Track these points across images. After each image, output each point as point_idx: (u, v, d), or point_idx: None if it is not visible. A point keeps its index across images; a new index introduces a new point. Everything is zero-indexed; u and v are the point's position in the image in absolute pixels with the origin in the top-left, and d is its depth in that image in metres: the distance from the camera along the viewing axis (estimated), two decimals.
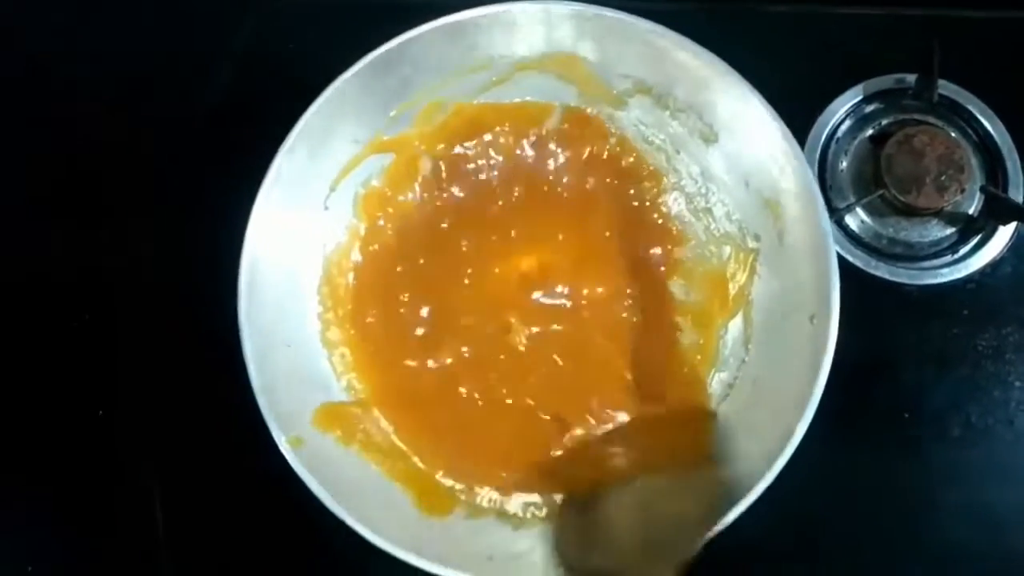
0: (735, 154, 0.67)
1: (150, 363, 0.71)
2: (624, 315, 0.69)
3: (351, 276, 0.69)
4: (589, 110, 0.71)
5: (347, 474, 0.62)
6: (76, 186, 0.76)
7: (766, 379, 0.65)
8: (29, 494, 0.71)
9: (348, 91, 0.65)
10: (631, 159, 0.71)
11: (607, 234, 0.70)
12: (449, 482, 0.66)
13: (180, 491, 0.70)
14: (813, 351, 0.60)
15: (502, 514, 0.65)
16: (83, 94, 0.78)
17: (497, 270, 0.69)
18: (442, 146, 0.71)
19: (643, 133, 0.71)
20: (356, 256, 0.70)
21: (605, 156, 0.71)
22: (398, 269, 0.70)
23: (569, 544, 0.61)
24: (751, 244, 0.68)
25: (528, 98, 0.71)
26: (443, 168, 0.71)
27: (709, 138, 0.68)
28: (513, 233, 0.70)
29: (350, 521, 0.58)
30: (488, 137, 0.71)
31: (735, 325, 0.68)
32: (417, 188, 0.71)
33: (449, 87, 0.69)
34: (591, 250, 0.70)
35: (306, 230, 0.67)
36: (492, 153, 0.71)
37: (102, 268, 0.74)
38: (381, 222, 0.70)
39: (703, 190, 0.70)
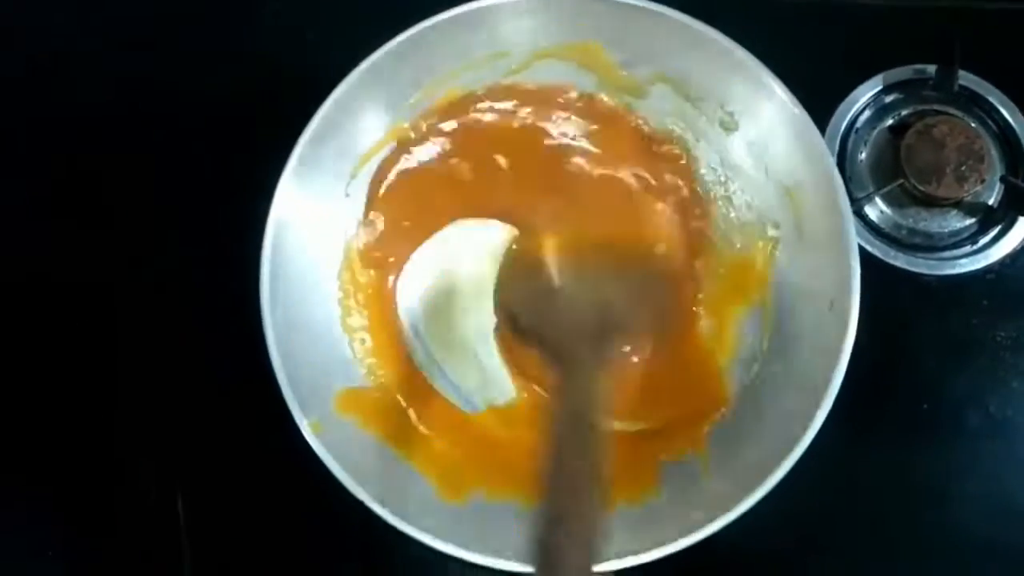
0: (755, 142, 0.67)
1: (175, 350, 0.72)
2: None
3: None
4: (607, 98, 0.71)
5: (368, 458, 0.63)
6: (93, 180, 0.77)
7: (785, 367, 0.65)
8: (49, 483, 0.71)
9: (368, 79, 0.65)
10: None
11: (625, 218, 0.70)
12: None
13: (202, 475, 0.70)
14: (833, 338, 0.60)
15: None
16: (94, 91, 0.79)
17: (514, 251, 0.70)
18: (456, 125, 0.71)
19: (663, 121, 0.71)
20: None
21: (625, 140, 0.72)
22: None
23: (515, 291, 0.63)
24: (771, 232, 0.68)
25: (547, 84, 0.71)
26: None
27: (729, 126, 0.68)
28: (529, 214, 0.70)
29: (371, 504, 0.58)
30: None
31: (754, 313, 0.68)
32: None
33: (468, 75, 0.69)
34: (607, 234, 0.70)
35: (327, 217, 0.68)
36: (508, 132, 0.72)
37: (124, 259, 0.75)
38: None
39: (723, 178, 0.70)
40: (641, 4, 0.65)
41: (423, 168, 0.70)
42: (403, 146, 0.70)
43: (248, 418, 0.68)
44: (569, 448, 0.51)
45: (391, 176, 0.70)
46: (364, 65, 0.64)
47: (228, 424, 0.70)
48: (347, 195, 0.69)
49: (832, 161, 0.62)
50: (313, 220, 0.66)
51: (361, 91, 0.65)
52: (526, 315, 0.61)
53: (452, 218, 0.70)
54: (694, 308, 0.69)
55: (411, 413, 0.67)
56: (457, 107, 0.70)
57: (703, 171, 0.71)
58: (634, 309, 0.61)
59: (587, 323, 0.58)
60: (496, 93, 0.70)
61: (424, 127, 0.70)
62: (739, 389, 0.67)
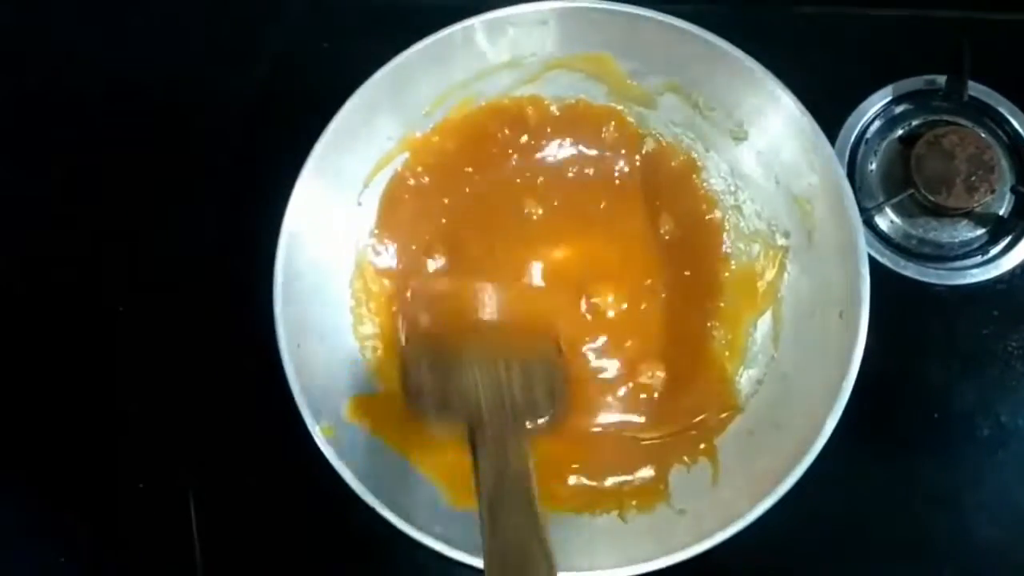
0: (765, 151, 0.68)
1: (186, 355, 0.72)
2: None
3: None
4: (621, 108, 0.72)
5: (379, 464, 0.63)
6: (108, 180, 0.77)
7: (795, 376, 0.65)
8: (60, 484, 0.71)
9: (382, 89, 0.65)
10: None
11: (637, 228, 0.71)
12: None
13: (214, 480, 0.70)
14: (843, 348, 0.60)
15: None
16: (114, 93, 0.79)
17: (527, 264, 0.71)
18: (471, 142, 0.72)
19: (673, 131, 0.72)
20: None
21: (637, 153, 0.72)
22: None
23: (419, 367, 0.64)
24: (781, 241, 0.68)
25: (557, 95, 0.72)
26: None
27: (739, 136, 0.68)
28: (543, 226, 0.71)
29: (381, 509, 0.58)
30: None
31: (764, 322, 0.68)
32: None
33: (480, 85, 0.69)
34: (621, 244, 0.71)
35: (340, 225, 0.68)
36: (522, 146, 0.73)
37: (137, 261, 0.75)
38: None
39: (732, 188, 0.70)
40: (651, 15, 0.65)
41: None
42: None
43: (260, 423, 0.69)
44: (504, 510, 0.54)
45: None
46: (378, 75, 0.65)
47: (240, 429, 0.70)
48: (359, 204, 0.69)
49: (842, 170, 0.63)
50: (326, 228, 0.66)
51: (375, 101, 0.66)
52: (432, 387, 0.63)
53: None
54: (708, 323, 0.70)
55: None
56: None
57: (713, 180, 0.71)
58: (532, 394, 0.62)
59: (500, 404, 0.60)
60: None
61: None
62: (750, 397, 0.67)
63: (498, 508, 0.53)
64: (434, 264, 0.71)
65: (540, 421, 0.61)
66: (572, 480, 0.67)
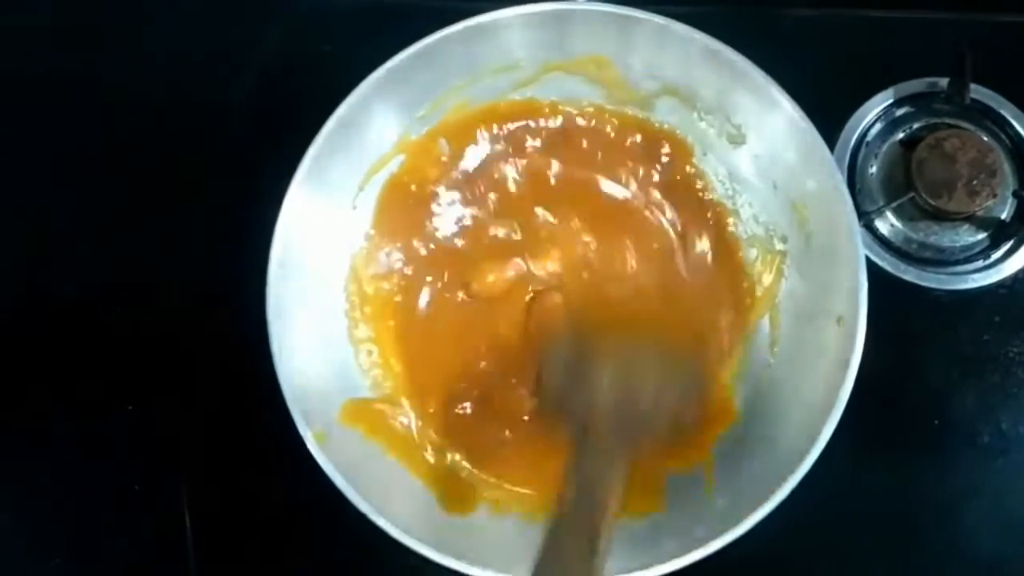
0: (763, 156, 0.67)
1: (179, 358, 0.72)
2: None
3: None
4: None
5: (372, 470, 0.63)
6: (105, 185, 0.77)
7: (792, 382, 0.64)
8: (56, 484, 0.71)
9: (376, 92, 0.65)
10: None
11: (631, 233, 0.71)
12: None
13: (207, 484, 0.70)
14: (840, 354, 0.59)
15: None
16: (113, 94, 0.79)
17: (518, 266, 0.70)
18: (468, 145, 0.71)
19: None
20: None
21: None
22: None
23: (553, 375, 0.60)
24: (778, 246, 0.68)
25: (554, 98, 0.71)
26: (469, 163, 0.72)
27: (736, 140, 0.68)
28: (537, 230, 0.71)
29: (373, 516, 0.58)
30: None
31: (761, 327, 0.68)
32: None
33: (476, 87, 0.69)
34: (615, 247, 0.71)
35: (334, 228, 0.68)
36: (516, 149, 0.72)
37: (132, 264, 0.75)
38: None
39: (730, 192, 0.70)
40: (649, 17, 0.64)
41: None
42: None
43: (253, 427, 0.68)
44: (571, 531, 0.51)
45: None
46: (373, 77, 0.64)
47: (234, 433, 0.71)
48: (354, 207, 0.69)
49: (840, 176, 0.62)
50: (320, 231, 0.66)
51: (370, 103, 0.65)
52: (563, 385, 0.59)
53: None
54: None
55: (417, 424, 0.68)
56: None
57: (712, 184, 0.71)
58: (671, 410, 0.58)
59: (624, 412, 0.57)
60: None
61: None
62: (746, 403, 0.67)
63: (559, 532, 0.51)
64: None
65: (661, 431, 0.58)
66: None
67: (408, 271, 0.70)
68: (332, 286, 0.68)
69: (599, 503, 0.51)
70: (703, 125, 0.69)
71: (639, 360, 0.58)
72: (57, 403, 0.73)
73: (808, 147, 0.63)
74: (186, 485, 0.70)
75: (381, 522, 0.58)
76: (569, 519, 0.51)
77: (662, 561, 0.57)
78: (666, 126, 0.71)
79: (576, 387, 0.57)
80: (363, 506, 0.58)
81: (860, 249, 0.60)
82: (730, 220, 0.70)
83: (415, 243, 0.71)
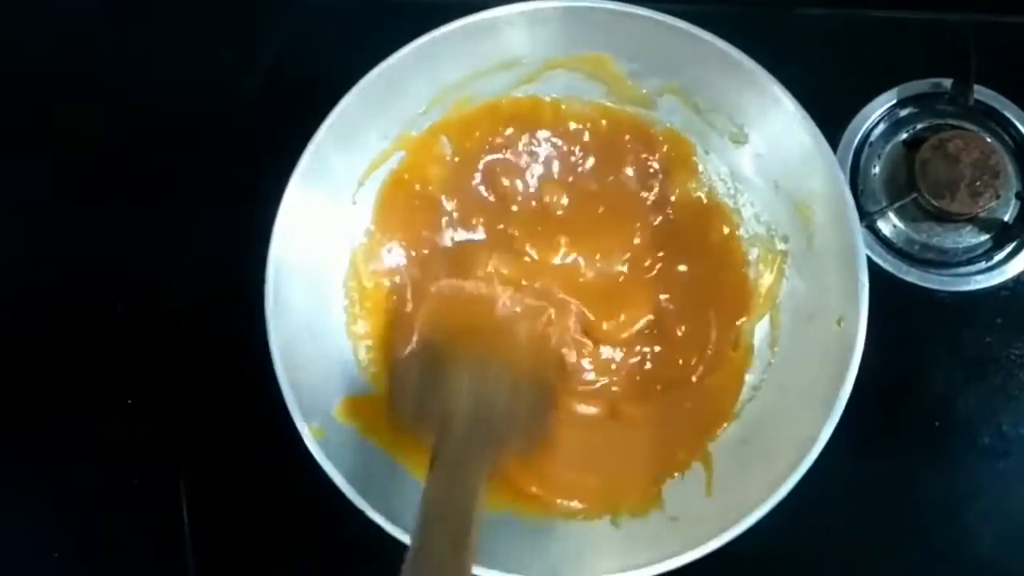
0: (765, 155, 0.67)
1: (177, 353, 0.72)
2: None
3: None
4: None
5: (370, 466, 0.62)
6: (104, 180, 0.77)
7: (792, 382, 0.64)
8: (55, 482, 0.72)
9: (377, 87, 0.65)
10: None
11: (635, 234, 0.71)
12: None
13: (205, 482, 0.70)
14: (840, 355, 0.59)
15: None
16: (114, 91, 0.79)
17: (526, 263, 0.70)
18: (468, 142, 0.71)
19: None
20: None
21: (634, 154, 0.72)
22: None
23: (405, 388, 0.62)
24: (780, 246, 0.67)
25: (556, 96, 0.71)
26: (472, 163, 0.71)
27: (739, 139, 0.68)
28: (541, 229, 0.70)
29: (371, 513, 0.58)
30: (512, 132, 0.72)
31: (762, 327, 0.68)
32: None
33: (477, 85, 0.69)
34: (620, 247, 0.70)
35: (334, 224, 0.68)
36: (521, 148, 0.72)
37: (130, 259, 0.75)
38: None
39: (732, 191, 0.70)
40: (651, 15, 0.64)
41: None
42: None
43: (252, 422, 0.68)
44: (439, 530, 0.52)
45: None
46: (373, 73, 0.64)
47: (232, 428, 0.71)
48: (354, 203, 0.69)
49: (842, 176, 0.62)
50: (320, 226, 0.66)
51: (371, 100, 0.65)
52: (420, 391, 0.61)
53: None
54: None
55: None
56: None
57: (713, 183, 0.71)
58: (521, 422, 0.61)
59: (481, 418, 0.59)
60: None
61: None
62: (745, 404, 0.66)
63: (429, 531, 0.52)
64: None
65: (514, 442, 0.60)
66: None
67: (407, 267, 0.70)
68: (331, 282, 0.68)
69: (464, 501, 0.53)
70: (705, 124, 0.69)
71: (494, 370, 0.61)
72: (56, 402, 0.73)
73: (811, 147, 0.63)
74: (184, 481, 0.70)
75: (379, 519, 0.58)
76: (436, 518, 0.53)
77: (661, 560, 0.57)
78: (667, 125, 0.71)
79: (432, 393, 0.59)
80: (361, 502, 0.58)
81: (861, 249, 0.60)
82: (732, 219, 0.70)
83: (415, 239, 0.70)
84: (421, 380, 0.61)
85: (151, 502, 0.70)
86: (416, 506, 0.53)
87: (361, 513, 0.58)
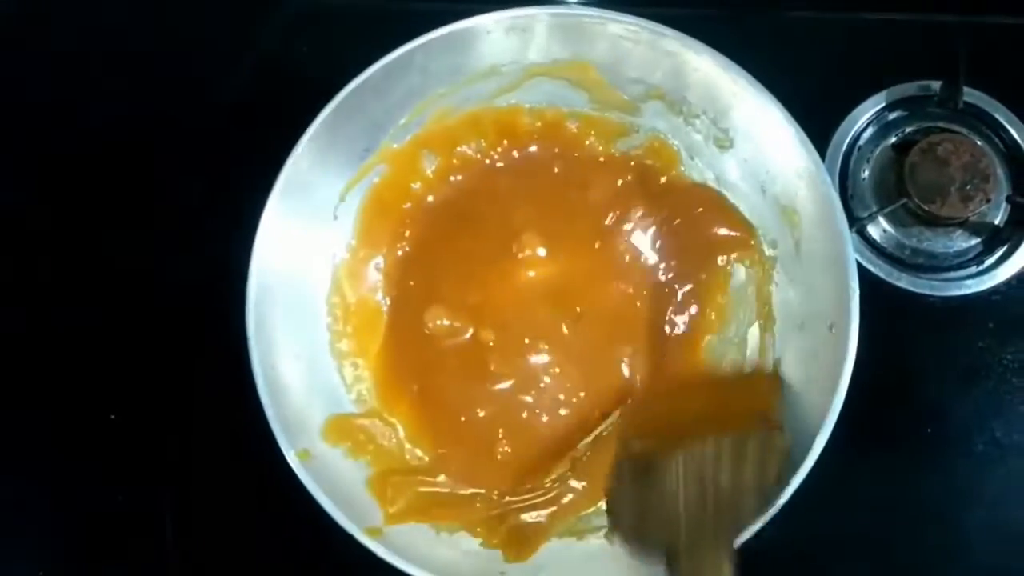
0: (751, 160, 0.66)
1: (159, 371, 0.71)
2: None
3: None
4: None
5: (357, 487, 0.62)
6: (84, 189, 0.76)
7: (784, 388, 0.63)
8: (38, 498, 0.71)
9: (356, 100, 0.64)
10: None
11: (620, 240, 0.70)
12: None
13: (190, 502, 0.69)
14: (833, 361, 0.58)
15: None
16: (93, 95, 0.79)
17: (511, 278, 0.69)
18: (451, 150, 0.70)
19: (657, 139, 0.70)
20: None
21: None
22: (411, 283, 0.69)
23: (623, 511, 0.59)
24: (768, 252, 0.67)
25: (538, 104, 0.70)
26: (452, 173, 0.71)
27: (724, 144, 0.67)
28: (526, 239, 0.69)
29: (359, 536, 0.57)
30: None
31: (752, 335, 0.67)
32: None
33: (458, 94, 0.68)
34: (603, 256, 0.69)
35: (315, 239, 0.67)
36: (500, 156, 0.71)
37: (111, 272, 0.74)
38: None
39: None
40: (633, 21, 0.63)
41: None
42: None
43: (237, 444, 0.67)
44: None
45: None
46: (352, 85, 0.63)
47: (216, 449, 0.70)
48: (335, 217, 0.68)
49: (829, 181, 0.61)
50: (301, 242, 0.65)
51: (350, 111, 0.64)
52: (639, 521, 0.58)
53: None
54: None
55: (403, 440, 0.66)
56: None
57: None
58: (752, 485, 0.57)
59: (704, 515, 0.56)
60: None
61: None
62: None
63: None
64: None
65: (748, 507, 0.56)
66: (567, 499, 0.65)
67: (389, 283, 0.69)
68: (314, 299, 0.67)
69: None
70: (690, 130, 0.68)
71: (698, 467, 0.57)
72: (36, 413, 0.72)
73: (797, 152, 0.62)
74: (169, 501, 0.69)
75: (367, 541, 0.57)
76: None
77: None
78: (651, 131, 0.70)
79: (647, 514, 0.57)
80: (348, 525, 0.58)
81: (851, 255, 0.59)
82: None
83: (398, 255, 0.70)
84: (637, 493, 0.58)
85: (135, 523, 0.69)
86: None
87: (349, 536, 0.57)
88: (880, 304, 0.63)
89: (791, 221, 0.64)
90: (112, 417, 0.71)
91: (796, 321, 0.64)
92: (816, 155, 0.61)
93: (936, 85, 0.74)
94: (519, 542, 0.63)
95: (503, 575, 0.61)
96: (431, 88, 0.67)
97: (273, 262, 0.62)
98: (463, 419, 0.66)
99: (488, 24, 0.64)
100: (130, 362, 0.72)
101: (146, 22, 0.81)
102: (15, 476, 0.71)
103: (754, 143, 0.65)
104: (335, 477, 0.60)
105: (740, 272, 0.68)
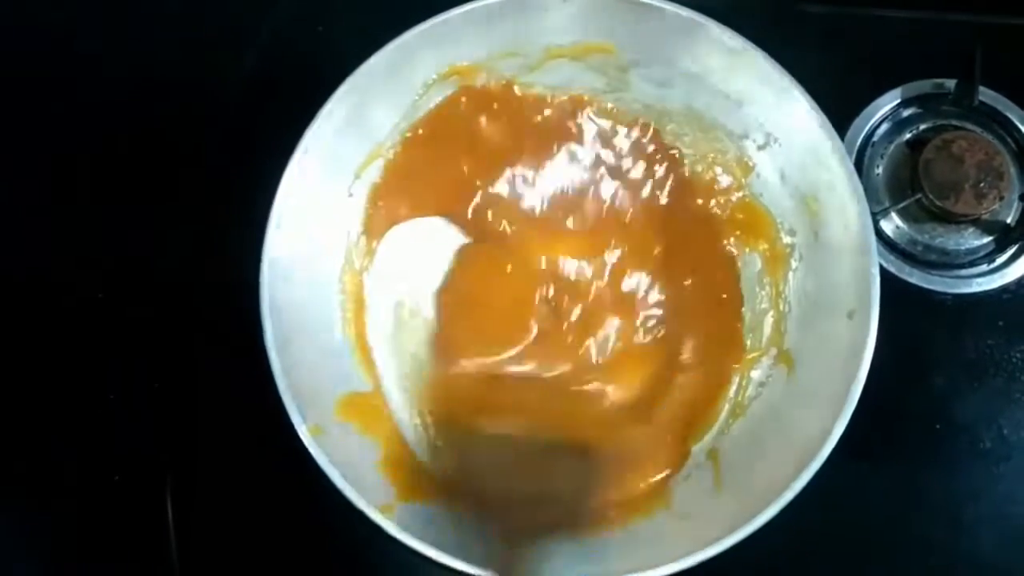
0: (772, 147, 0.66)
1: (170, 347, 0.70)
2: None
3: None
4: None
5: (368, 466, 0.61)
6: (101, 170, 0.75)
7: (800, 378, 0.63)
8: (40, 478, 0.69)
9: (375, 76, 0.64)
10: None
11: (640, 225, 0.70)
12: None
13: (198, 481, 0.68)
14: (852, 349, 0.58)
15: None
16: (110, 78, 0.78)
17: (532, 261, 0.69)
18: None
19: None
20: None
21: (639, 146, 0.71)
22: None
23: None
24: (786, 239, 0.67)
25: (559, 85, 0.70)
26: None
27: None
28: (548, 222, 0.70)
29: (369, 511, 0.57)
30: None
31: (768, 322, 0.67)
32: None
33: (478, 75, 0.68)
34: (624, 240, 0.70)
35: (330, 217, 0.66)
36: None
37: (124, 250, 0.73)
38: None
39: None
40: (657, 4, 0.63)
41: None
42: None
43: (247, 420, 0.66)
44: None
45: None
46: (371, 61, 0.63)
47: (225, 426, 0.69)
48: (350, 195, 0.67)
49: (851, 166, 0.61)
50: (315, 218, 0.64)
51: (367, 89, 0.64)
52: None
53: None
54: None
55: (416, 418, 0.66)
56: None
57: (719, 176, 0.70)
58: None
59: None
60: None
61: None
62: (752, 400, 0.66)
63: None
64: None
65: None
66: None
67: None
68: (328, 276, 0.66)
69: None
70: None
71: None
72: (41, 391, 0.70)
73: (820, 139, 0.62)
74: (172, 480, 0.68)
75: (378, 518, 0.57)
76: None
77: (670, 560, 0.56)
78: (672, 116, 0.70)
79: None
80: (358, 500, 0.57)
81: (873, 241, 0.60)
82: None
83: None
84: None
85: (137, 500, 0.68)
86: None
87: (360, 512, 0.57)
88: (890, 299, 0.62)
89: (811, 209, 0.64)
90: (111, 397, 0.70)
91: (814, 308, 0.64)
92: (839, 140, 0.62)
93: (951, 83, 0.74)
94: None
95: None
96: (450, 67, 0.67)
97: (288, 238, 0.62)
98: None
99: (509, 2, 0.64)
100: (142, 338, 0.71)
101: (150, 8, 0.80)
102: (11, 459, 0.70)
103: (776, 129, 0.65)
104: (347, 454, 0.59)
105: (756, 260, 0.68)
